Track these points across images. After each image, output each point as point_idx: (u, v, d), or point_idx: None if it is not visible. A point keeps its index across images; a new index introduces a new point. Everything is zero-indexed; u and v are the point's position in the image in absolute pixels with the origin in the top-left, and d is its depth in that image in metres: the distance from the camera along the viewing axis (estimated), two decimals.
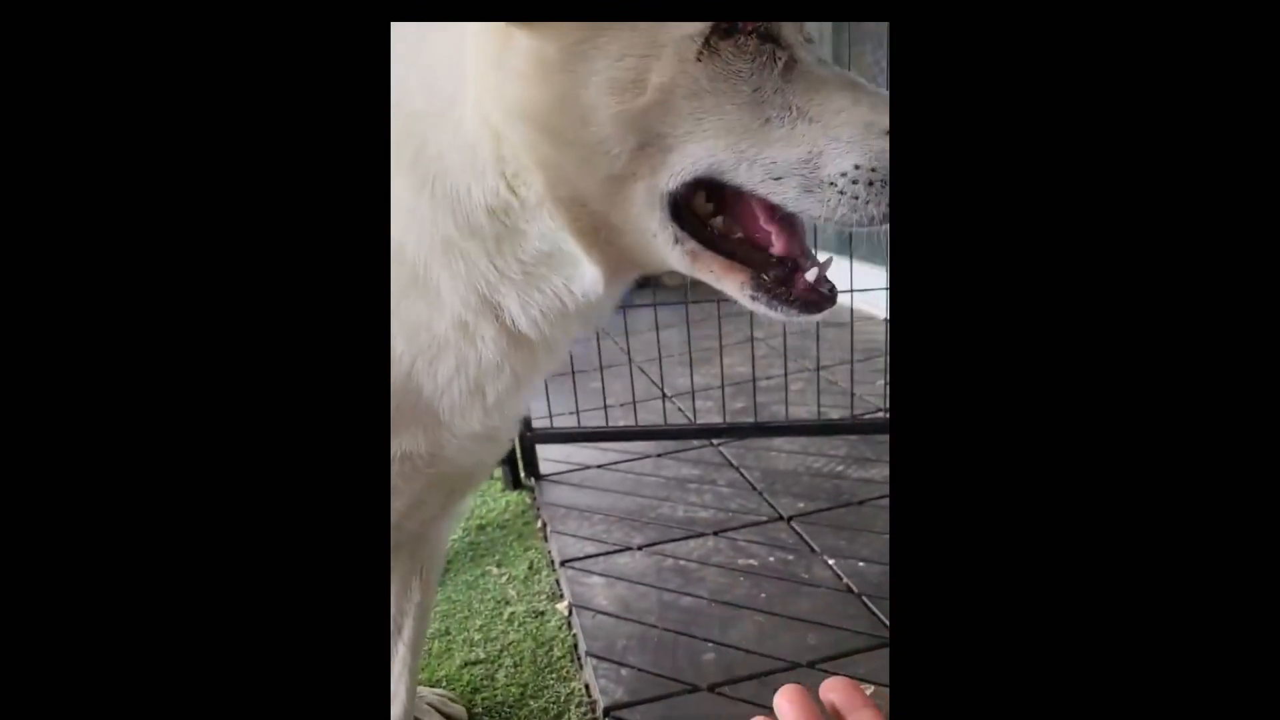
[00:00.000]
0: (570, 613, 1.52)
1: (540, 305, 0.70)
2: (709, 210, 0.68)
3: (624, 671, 1.34)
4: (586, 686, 1.34)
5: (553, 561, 1.71)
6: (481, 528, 1.89)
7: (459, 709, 1.28)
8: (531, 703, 1.31)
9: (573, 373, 2.19)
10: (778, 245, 0.67)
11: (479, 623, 1.53)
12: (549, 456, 2.15)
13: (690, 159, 0.61)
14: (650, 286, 2.85)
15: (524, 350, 0.73)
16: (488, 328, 0.70)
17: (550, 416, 2.15)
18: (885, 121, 0.59)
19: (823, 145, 0.60)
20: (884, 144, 0.59)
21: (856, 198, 0.60)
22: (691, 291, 2.46)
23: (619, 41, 0.58)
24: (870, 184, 0.60)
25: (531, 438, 2.07)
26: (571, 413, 2.20)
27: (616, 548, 1.72)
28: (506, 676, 1.38)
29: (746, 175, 0.62)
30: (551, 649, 1.43)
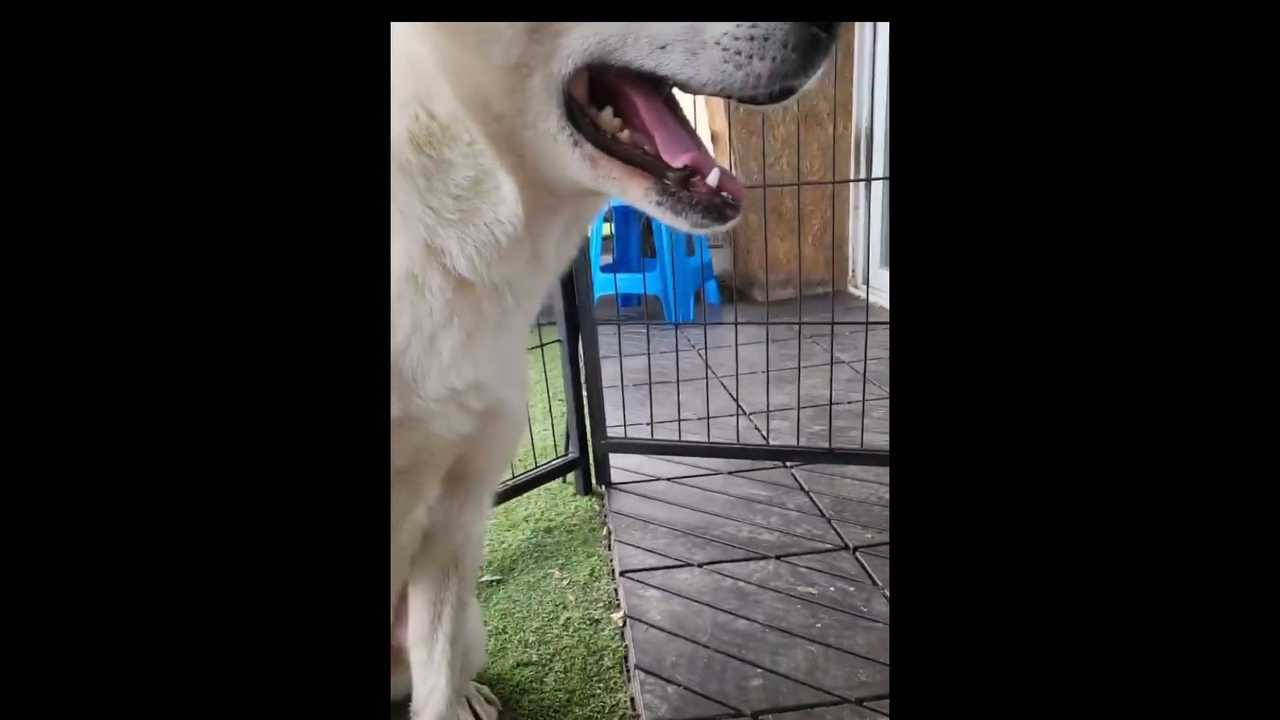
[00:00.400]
0: (624, 624, 1.54)
1: (475, 241, 0.73)
2: (616, 125, 0.71)
3: (670, 689, 1.35)
4: (632, 700, 1.35)
5: (613, 570, 1.74)
6: (549, 530, 1.94)
7: (491, 710, 1.31)
8: (577, 710, 1.34)
9: (650, 383, 2.22)
10: (683, 157, 0.70)
11: (535, 624, 1.57)
12: (622, 465, 2.18)
13: (579, 39, 0.64)
14: (734, 302, 2.84)
15: (468, 298, 0.75)
16: (435, 276, 0.74)
17: (625, 426, 2.18)
18: None
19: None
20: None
21: (739, 53, 0.62)
22: (774, 312, 2.46)
23: None
24: (752, 39, 0.61)
25: (604, 446, 2.10)
26: (646, 423, 2.22)
27: (677, 563, 1.73)
28: (555, 681, 1.41)
29: (634, 50, 0.64)
30: (602, 658, 1.46)
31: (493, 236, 0.73)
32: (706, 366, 2.51)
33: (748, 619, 1.52)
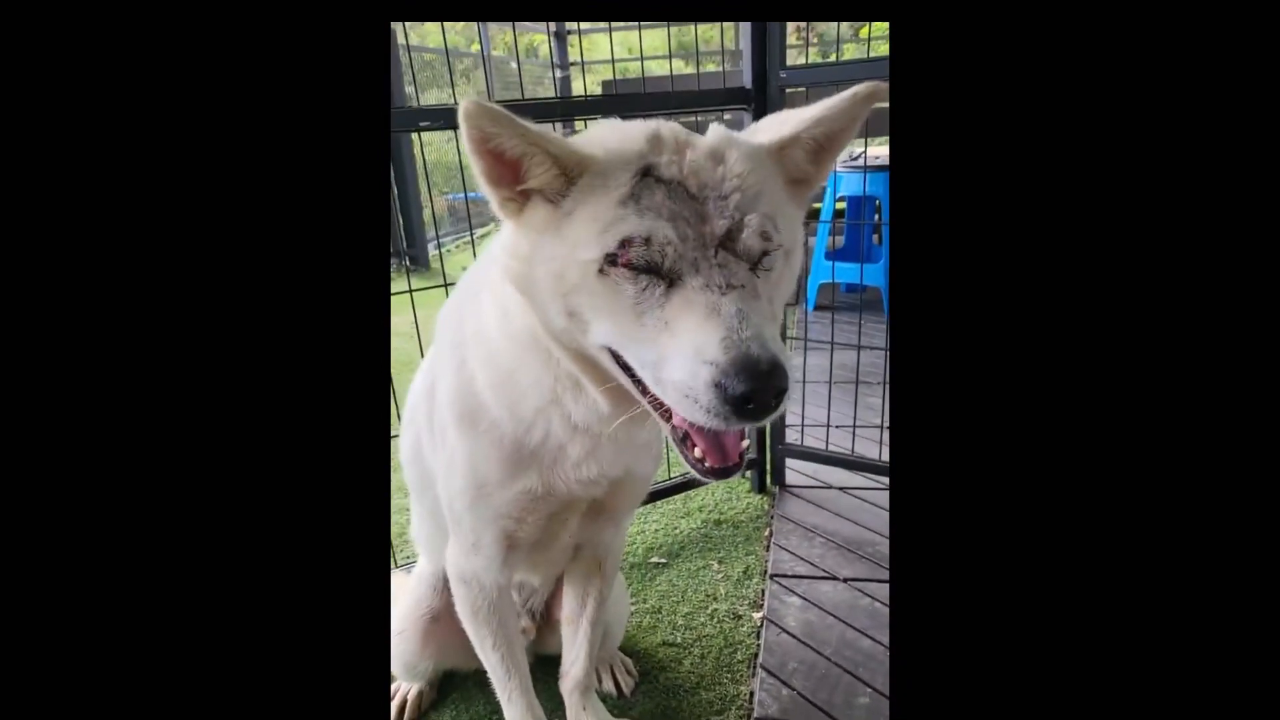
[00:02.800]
0: (762, 624, 1.74)
1: (586, 406, 0.94)
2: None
3: (785, 691, 1.54)
4: (750, 694, 1.56)
5: (765, 571, 1.93)
6: (719, 523, 2.16)
7: (629, 680, 1.59)
8: (703, 694, 1.57)
9: (829, 383, 2.32)
10: (676, 420, 0.83)
11: (686, 610, 1.82)
12: (797, 468, 2.33)
13: (599, 331, 0.81)
14: None
15: (588, 434, 0.98)
16: (556, 417, 0.97)
17: (802, 429, 2.32)
18: (711, 352, 0.71)
19: (668, 354, 0.75)
20: (706, 372, 0.71)
21: (685, 400, 0.74)
22: None
23: (554, 247, 0.80)
24: (687, 397, 0.73)
25: (781, 451, 2.26)
26: (833, 426, 2.33)
27: (823, 575, 1.88)
28: (691, 665, 1.65)
29: (628, 357, 0.81)
30: (735, 652, 1.67)
31: (600, 409, 0.93)
32: (885, 373, 2.54)
33: (873, 640, 1.65)
